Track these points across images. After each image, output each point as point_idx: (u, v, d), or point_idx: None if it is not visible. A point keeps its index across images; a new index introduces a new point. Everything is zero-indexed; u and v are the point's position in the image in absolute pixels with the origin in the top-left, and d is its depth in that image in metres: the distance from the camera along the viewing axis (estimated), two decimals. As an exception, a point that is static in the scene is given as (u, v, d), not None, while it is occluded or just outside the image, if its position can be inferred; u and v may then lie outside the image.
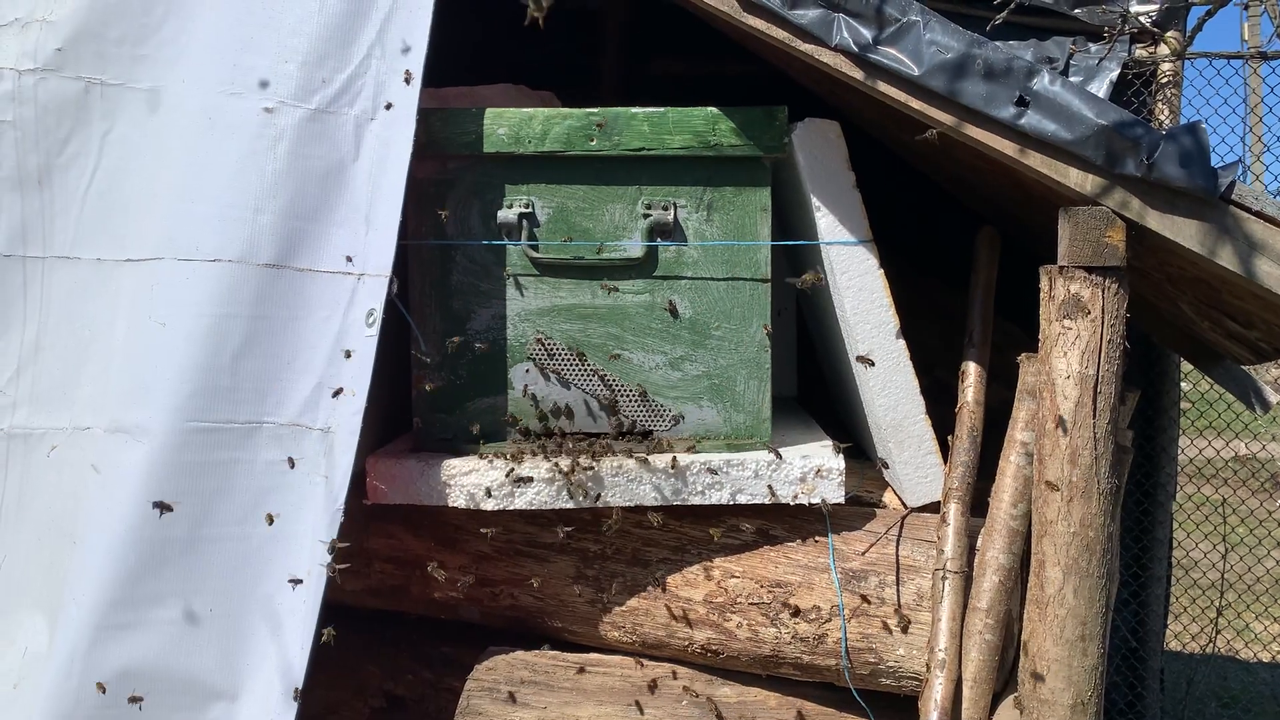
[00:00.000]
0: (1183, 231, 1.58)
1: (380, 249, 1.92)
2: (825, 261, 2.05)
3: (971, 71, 1.65)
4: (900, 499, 2.10)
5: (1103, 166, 1.60)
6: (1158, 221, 1.59)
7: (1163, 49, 2.79)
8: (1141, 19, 2.76)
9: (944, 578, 1.89)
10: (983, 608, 1.83)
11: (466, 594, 2.16)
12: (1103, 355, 1.61)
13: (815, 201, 2.01)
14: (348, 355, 1.91)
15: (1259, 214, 1.55)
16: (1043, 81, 1.63)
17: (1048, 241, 1.75)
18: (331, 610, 2.15)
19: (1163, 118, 2.77)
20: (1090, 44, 2.72)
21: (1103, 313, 1.61)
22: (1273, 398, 2.73)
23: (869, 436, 2.23)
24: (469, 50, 2.79)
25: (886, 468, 2.10)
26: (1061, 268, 1.64)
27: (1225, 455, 3.67)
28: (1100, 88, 2.61)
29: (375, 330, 1.90)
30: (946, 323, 2.44)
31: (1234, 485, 3.98)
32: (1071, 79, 2.57)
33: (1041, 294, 1.69)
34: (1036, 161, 1.64)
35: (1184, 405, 3.45)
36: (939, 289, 2.69)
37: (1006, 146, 1.65)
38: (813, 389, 2.74)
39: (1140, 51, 2.80)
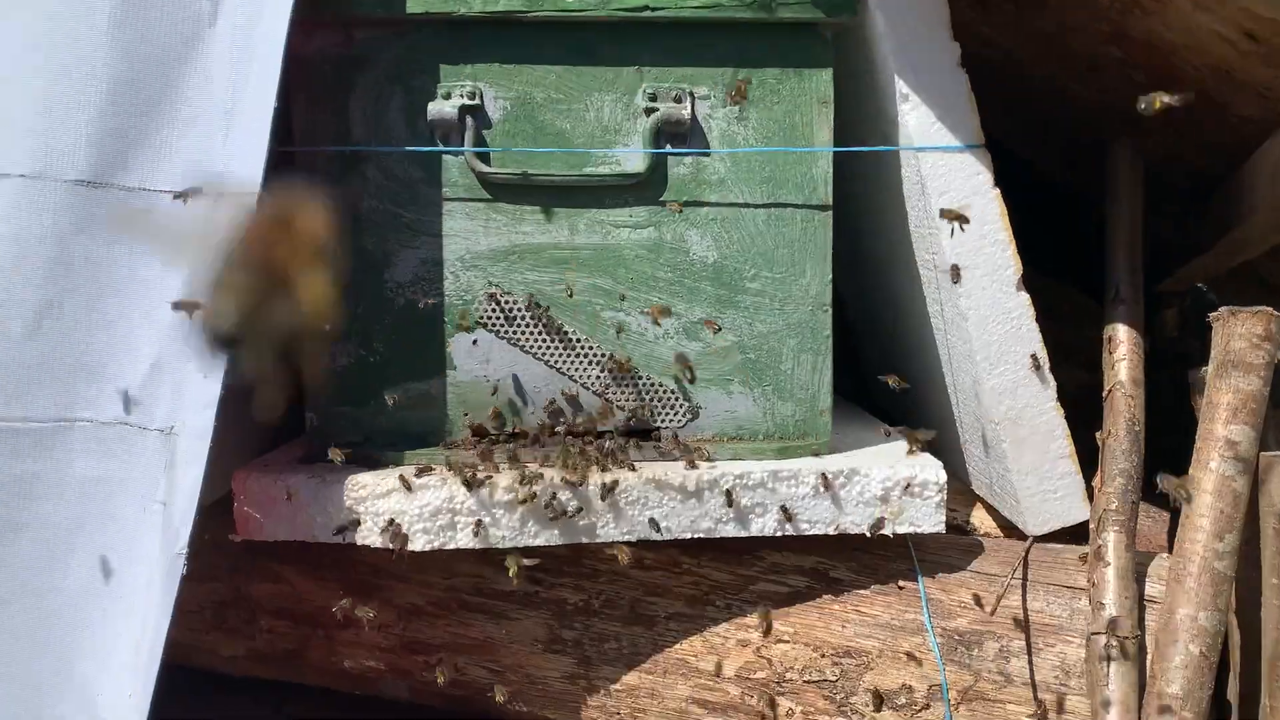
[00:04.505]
0: None
1: (246, 157, 1.30)
2: (910, 179, 1.45)
3: None
4: (1018, 524, 1.51)
5: None
6: None
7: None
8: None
9: (1109, 647, 1.29)
10: (1174, 693, 1.24)
11: (390, 664, 1.55)
12: None
13: (901, 87, 1.40)
14: (199, 317, 1.30)
15: None
16: None
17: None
18: (201, 680, 1.58)
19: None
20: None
21: None
22: None
23: (949, 437, 1.64)
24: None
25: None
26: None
27: None
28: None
29: (238, 278, 1.27)
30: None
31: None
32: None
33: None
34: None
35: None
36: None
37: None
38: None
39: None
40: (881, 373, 1.55)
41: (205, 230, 1.34)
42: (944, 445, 1.68)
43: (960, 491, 1.64)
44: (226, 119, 1.35)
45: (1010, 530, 1.60)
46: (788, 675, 1.44)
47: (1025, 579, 1.43)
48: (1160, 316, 2.17)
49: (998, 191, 1.42)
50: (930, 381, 1.68)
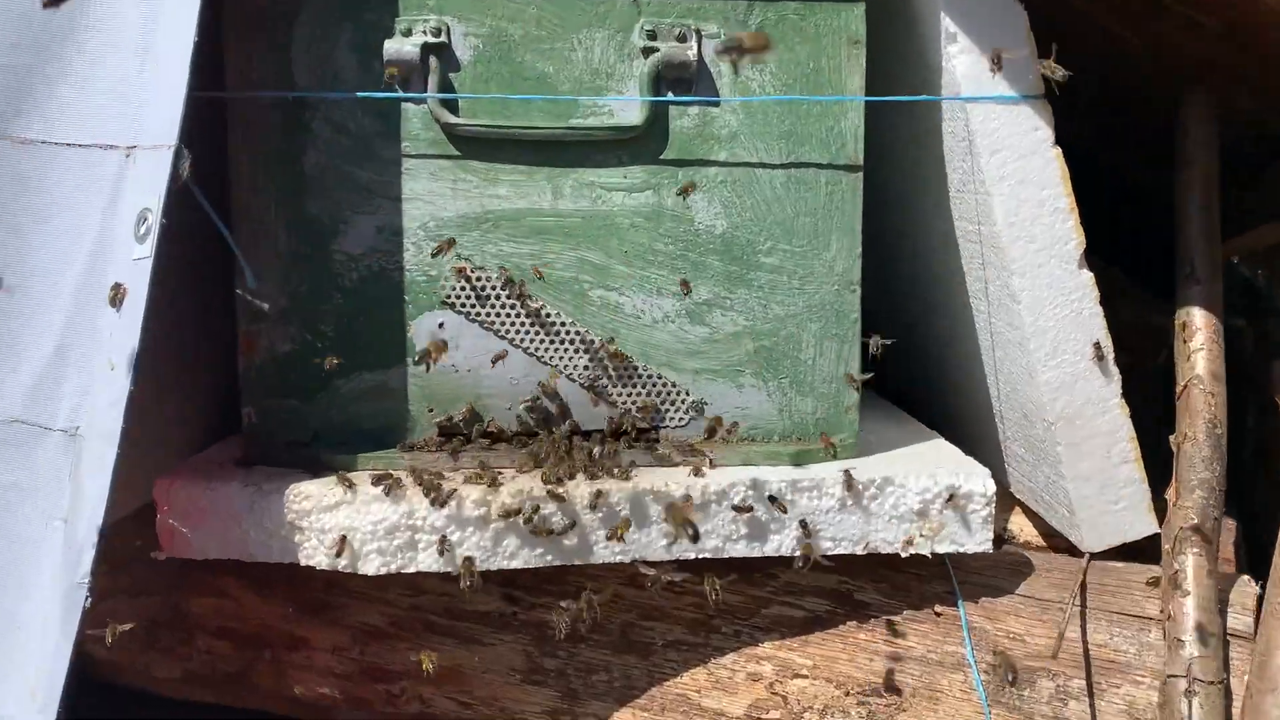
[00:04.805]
0: None
1: (162, 101, 1.08)
2: (954, 136, 1.24)
3: None
4: (1071, 538, 1.31)
5: None
6: None
7: None
8: None
9: (1190, 693, 1.09)
10: (1269, 755, 1.04)
11: (347, 692, 1.35)
12: None
13: (948, 25, 1.18)
14: (106, 297, 1.08)
15: None
16: None
17: None
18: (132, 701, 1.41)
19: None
20: None
21: None
22: None
23: (986, 434, 1.44)
24: None
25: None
26: None
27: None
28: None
29: (150, 249, 1.06)
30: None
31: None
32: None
33: None
34: None
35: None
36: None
37: None
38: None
39: None
40: (903, 362, 1.35)
41: (117, 190, 1.13)
42: (980, 440, 1.48)
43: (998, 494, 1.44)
44: (141, 57, 1.12)
45: (1052, 537, 1.41)
46: (805, 716, 1.24)
47: (1084, 605, 1.23)
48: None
49: (1059, 151, 1.21)
50: (967, 370, 1.47)
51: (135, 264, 1.07)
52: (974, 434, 1.52)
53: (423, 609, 1.34)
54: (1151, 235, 1.78)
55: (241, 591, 1.39)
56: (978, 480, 1.20)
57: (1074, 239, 1.22)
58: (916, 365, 1.72)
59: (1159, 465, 1.34)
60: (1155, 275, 1.80)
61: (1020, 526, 1.46)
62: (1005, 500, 1.45)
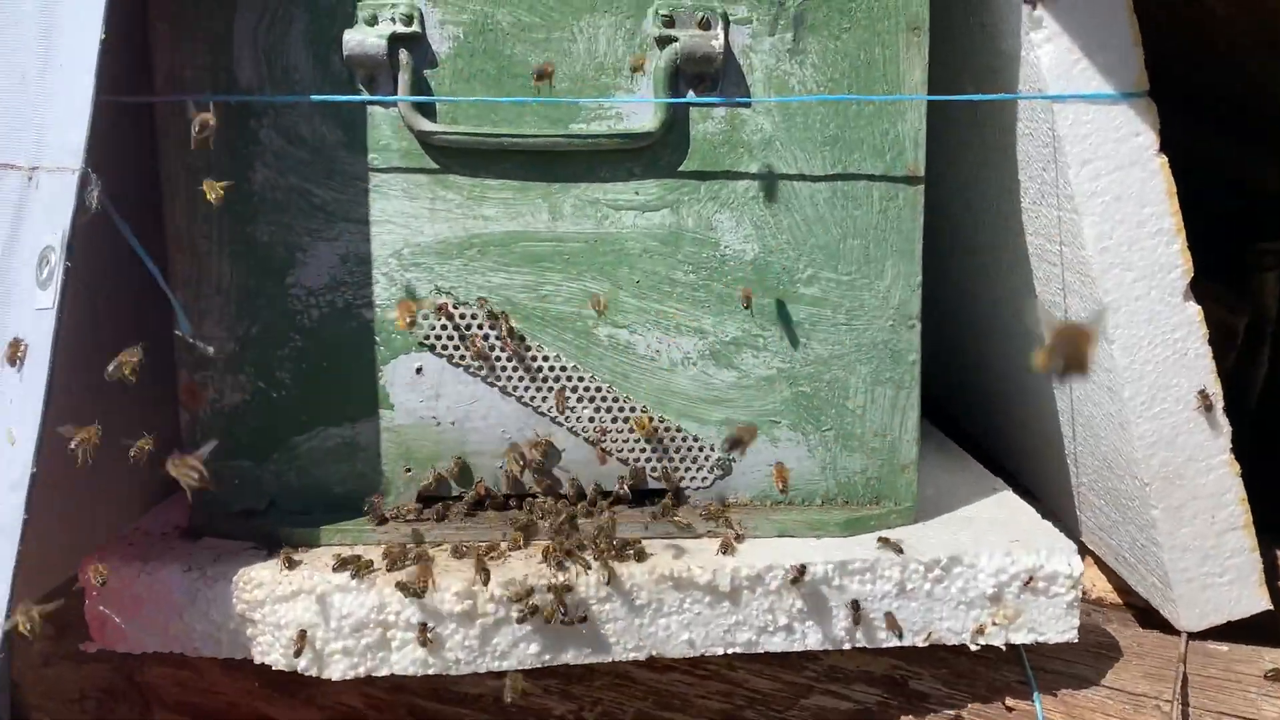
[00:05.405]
0: None
1: (66, 114, 0.88)
2: (1034, 139, 1.02)
3: None
4: (1164, 613, 1.11)
5: None
6: None
7: None
8: None
9: (1326, 833, 0.90)
10: None
11: (321, 784, 1.18)
12: None
13: (1032, 7, 0.97)
14: (4, 354, 0.89)
15: None
16: None
17: None
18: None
19: None
20: None
21: None
22: None
23: (1053, 475, 1.24)
24: None
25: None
26: None
27: None
28: None
29: (54, 297, 0.86)
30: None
31: None
32: None
33: None
34: None
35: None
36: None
37: None
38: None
39: None
40: (942, 372, 1.15)
41: (18, 221, 0.93)
42: (1045, 482, 1.29)
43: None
44: (43, 58, 0.92)
45: (1128, 594, 1.22)
46: (853, 830, 1.05)
47: (1186, 703, 1.04)
48: (1258, 281, 1.76)
49: (1164, 160, 0.99)
50: (1033, 405, 1.27)
51: (37, 315, 0.88)
52: (1036, 472, 1.32)
53: (407, 690, 1.15)
54: (1208, 210, 1.56)
55: (204, 661, 1.21)
56: (1061, 558, 1.00)
57: (1179, 266, 1.01)
58: (972, 389, 1.51)
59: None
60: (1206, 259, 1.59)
61: (1091, 581, 1.27)
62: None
